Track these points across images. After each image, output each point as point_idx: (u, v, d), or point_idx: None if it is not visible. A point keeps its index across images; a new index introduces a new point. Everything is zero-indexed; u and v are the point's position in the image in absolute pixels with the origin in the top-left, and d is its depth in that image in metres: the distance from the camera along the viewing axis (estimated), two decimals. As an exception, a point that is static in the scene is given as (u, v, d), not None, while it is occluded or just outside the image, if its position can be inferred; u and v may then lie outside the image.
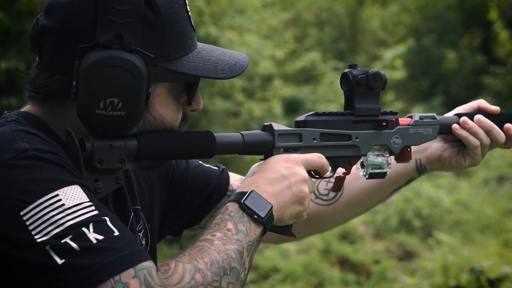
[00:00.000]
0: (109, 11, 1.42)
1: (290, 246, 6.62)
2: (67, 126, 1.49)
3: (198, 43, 1.59)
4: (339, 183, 1.80)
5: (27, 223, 1.34)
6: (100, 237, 1.35)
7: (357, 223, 7.00)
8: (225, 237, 1.47)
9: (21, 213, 1.34)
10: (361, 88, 1.72)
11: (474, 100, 1.98)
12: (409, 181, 1.97)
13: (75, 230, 1.34)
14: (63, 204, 1.36)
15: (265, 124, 1.66)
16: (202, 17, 6.43)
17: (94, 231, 1.35)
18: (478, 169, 8.80)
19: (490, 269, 5.15)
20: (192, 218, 1.89)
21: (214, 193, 1.88)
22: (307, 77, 10.64)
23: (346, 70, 1.74)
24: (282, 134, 1.65)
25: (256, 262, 6.26)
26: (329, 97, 9.57)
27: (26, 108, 1.57)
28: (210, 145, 1.58)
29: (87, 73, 1.42)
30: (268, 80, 8.20)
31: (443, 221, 7.18)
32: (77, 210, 1.36)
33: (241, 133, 1.62)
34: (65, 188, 1.37)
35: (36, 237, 1.33)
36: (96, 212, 1.38)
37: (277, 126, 1.65)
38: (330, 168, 1.70)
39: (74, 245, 1.33)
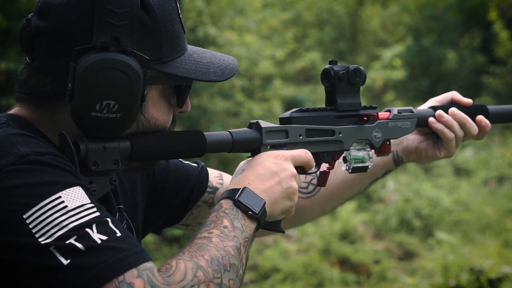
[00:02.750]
0: (106, 13, 1.42)
1: (290, 246, 6.62)
2: (59, 128, 1.48)
3: (188, 45, 1.59)
4: (323, 178, 1.82)
5: (30, 226, 1.33)
6: (104, 238, 1.35)
7: (357, 223, 7.00)
8: (222, 234, 1.47)
9: (24, 217, 1.33)
10: (343, 83, 1.75)
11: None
12: (386, 172, 2.01)
13: (79, 231, 1.34)
14: (66, 206, 1.35)
15: (251, 121, 1.68)
16: (202, 17, 6.42)
17: (98, 232, 1.35)
18: (478, 169, 8.80)
19: (490, 269, 5.16)
20: (173, 216, 1.89)
21: (194, 190, 1.88)
22: (307, 77, 10.63)
23: (327, 67, 1.77)
24: (269, 131, 1.66)
25: (256, 262, 6.26)
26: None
27: (15, 110, 1.55)
28: (200, 144, 1.59)
29: (83, 75, 1.41)
30: (268, 80, 8.20)
31: (443, 221, 7.18)
32: (80, 212, 1.36)
33: (229, 131, 1.64)
34: (67, 190, 1.37)
35: (40, 239, 1.32)
36: (98, 213, 1.37)
37: (264, 124, 1.67)
38: (315, 163, 1.72)
39: (79, 245, 1.33)
